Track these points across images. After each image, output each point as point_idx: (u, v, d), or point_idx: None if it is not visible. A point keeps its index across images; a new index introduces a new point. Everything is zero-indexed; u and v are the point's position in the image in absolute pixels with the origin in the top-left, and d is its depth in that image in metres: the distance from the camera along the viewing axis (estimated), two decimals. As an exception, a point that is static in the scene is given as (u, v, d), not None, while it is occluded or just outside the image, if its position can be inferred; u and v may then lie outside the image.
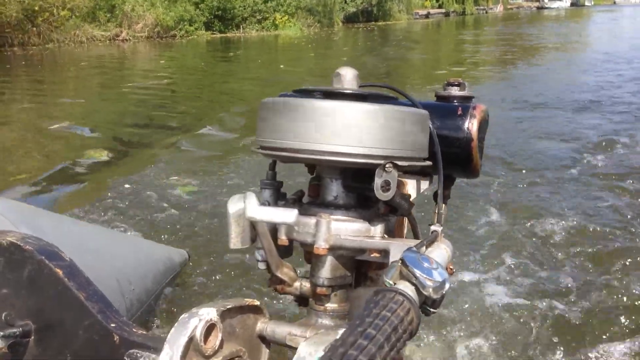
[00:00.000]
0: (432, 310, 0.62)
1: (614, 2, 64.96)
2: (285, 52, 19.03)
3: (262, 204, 0.84)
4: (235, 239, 0.80)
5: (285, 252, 0.86)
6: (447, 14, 43.12)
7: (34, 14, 18.43)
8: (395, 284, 0.61)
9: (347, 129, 0.72)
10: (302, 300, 0.86)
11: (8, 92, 9.87)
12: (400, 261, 0.62)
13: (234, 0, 24.14)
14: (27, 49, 17.98)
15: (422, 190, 0.93)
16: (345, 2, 32.04)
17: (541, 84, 9.24)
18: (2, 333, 0.76)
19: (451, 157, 0.89)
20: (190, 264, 2.82)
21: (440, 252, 0.76)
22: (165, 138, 6.29)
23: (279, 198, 0.89)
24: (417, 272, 0.60)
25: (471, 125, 0.88)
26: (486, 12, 48.75)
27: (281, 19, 24.94)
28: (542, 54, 14.75)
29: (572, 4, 56.98)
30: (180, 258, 2.61)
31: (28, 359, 0.78)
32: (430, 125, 0.85)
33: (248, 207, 0.73)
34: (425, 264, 0.62)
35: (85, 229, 2.28)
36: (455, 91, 0.92)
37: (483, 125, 0.90)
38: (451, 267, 0.80)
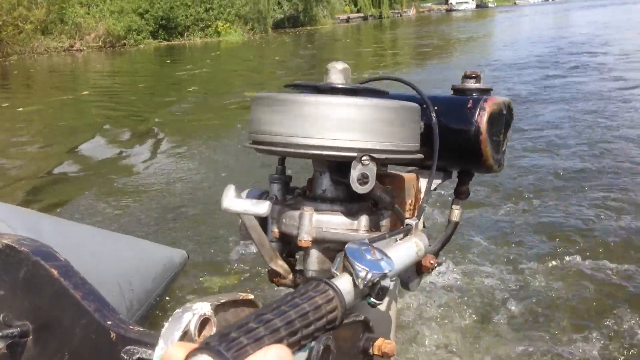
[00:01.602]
0: (374, 301, 0.62)
1: (515, 3, 70.54)
2: (239, 53, 21.27)
3: (270, 198, 0.87)
4: (244, 232, 0.84)
5: (295, 245, 0.85)
6: (365, 18, 46.35)
7: (-2, 29, 19.92)
8: (338, 274, 0.62)
9: (326, 122, 0.74)
10: None
11: None
12: (344, 253, 0.63)
13: (176, 10, 26.30)
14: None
15: (436, 185, 0.91)
16: (274, 9, 34.49)
17: (450, 68, 12.03)
18: (0, 334, 0.76)
19: (461, 152, 0.88)
20: (191, 264, 2.83)
21: (408, 245, 0.76)
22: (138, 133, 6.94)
23: (287, 192, 0.89)
24: (356, 264, 0.61)
25: (480, 118, 0.86)
26: (400, 15, 52.11)
27: (223, 26, 27.31)
28: (452, 46, 17.86)
29: (477, 6, 61.53)
30: (179, 258, 2.61)
31: (27, 359, 0.79)
32: (434, 118, 0.86)
33: (224, 199, 0.74)
34: (367, 256, 0.63)
35: (83, 230, 2.30)
36: (471, 84, 0.91)
37: (496, 117, 0.88)
38: (431, 261, 0.82)
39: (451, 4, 60.91)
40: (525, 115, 6.34)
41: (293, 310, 0.52)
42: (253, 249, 2.92)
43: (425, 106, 0.86)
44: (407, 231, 0.78)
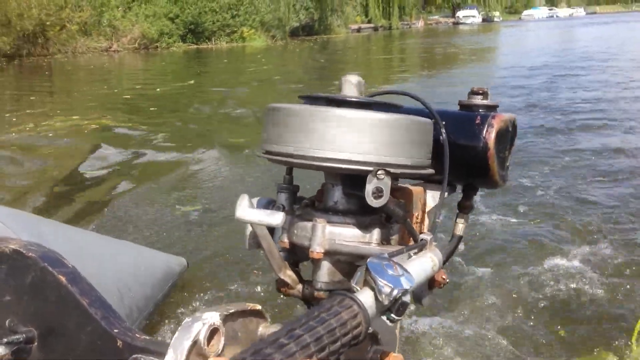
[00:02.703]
0: (395, 317, 0.63)
1: (520, 18, 72.41)
2: (264, 58, 23.03)
3: (277, 207, 0.87)
4: (251, 240, 0.85)
5: (302, 255, 0.86)
6: (376, 29, 48.04)
7: (46, 28, 21.66)
8: (359, 289, 0.62)
9: (341, 136, 0.75)
10: (307, 301, 0.87)
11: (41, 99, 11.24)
12: (365, 267, 0.64)
13: (204, 16, 28.08)
14: (38, 59, 21.09)
15: (440, 200, 0.92)
16: (291, 17, 36.25)
17: (459, 77, 13.09)
18: (5, 340, 0.76)
19: (468, 167, 0.90)
20: (190, 271, 2.87)
21: (423, 260, 0.76)
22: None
23: (294, 202, 0.89)
24: (378, 279, 0.61)
25: (488, 134, 0.87)
26: (409, 27, 53.74)
27: (248, 32, 29.11)
28: (460, 58, 19.07)
29: (483, 20, 63.26)
30: (179, 266, 2.60)
31: None
32: (444, 134, 0.87)
33: (238, 208, 0.75)
34: (389, 271, 0.63)
35: (85, 236, 2.30)
36: (478, 100, 0.92)
37: (503, 134, 0.89)
38: (443, 276, 0.82)
39: (458, 17, 62.57)
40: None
41: (321, 326, 0.53)
42: (254, 257, 2.96)
43: (434, 121, 0.87)
44: (422, 246, 0.78)
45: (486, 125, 0.88)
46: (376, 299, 0.61)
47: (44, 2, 20.73)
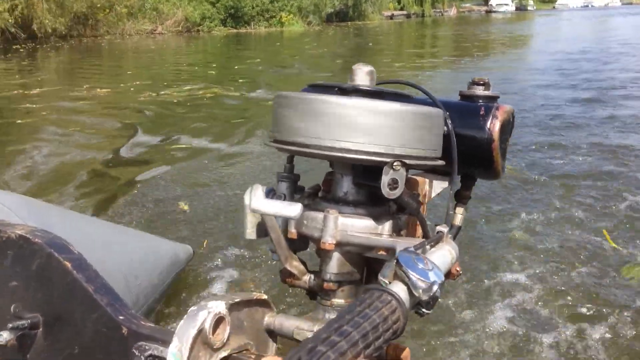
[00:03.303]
0: (425, 311, 0.63)
1: (554, 7, 71.48)
2: (304, 41, 23.67)
3: (279, 196, 0.87)
4: (251, 230, 0.84)
5: (300, 245, 0.86)
6: (408, 16, 48.08)
7: (95, 10, 22.53)
8: (389, 283, 0.62)
9: (356, 126, 0.74)
10: (311, 293, 0.87)
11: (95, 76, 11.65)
12: (395, 261, 0.63)
13: (244, 0, 28.70)
14: (89, 40, 21.99)
15: (441, 190, 0.93)
16: (325, 4, 36.70)
17: (497, 62, 13.72)
18: (10, 325, 0.76)
19: (472, 158, 0.90)
20: (196, 260, 2.86)
21: (443, 253, 0.76)
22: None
23: (295, 191, 0.89)
24: (410, 273, 0.61)
25: (493, 125, 0.87)
26: (442, 14, 53.55)
27: (286, 17, 29.69)
28: (495, 45, 19.21)
29: (517, 9, 62.75)
30: (185, 254, 2.62)
31: (36, 351, 0.79)
32: (449, 125, 0.87)
33: (253, 199, 0.75)
34: (420, 265, 0.63)
35: (92, 223, 2.31)
36: (479, 90, 0.91)
37: (506, 126, 0.90)
38: (457, 268, 0.81)
39: (491, 5, 62.08)
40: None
41: (367, 321, 0.54)
42: (259, 246, 3.01)
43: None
44: (439, 238, 0.78)
45: (491, 117, 0.88)
46: (410, 293, 0.61)
47: (95, -15, 21.58)
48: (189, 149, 5.59)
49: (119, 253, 2.09)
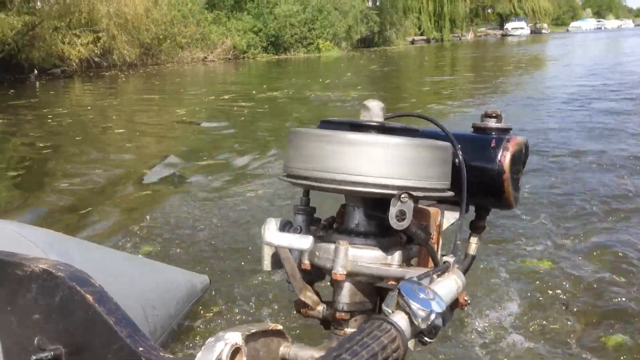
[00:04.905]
0: (428, 339, 0.64)
1: (567, 30, 73.83)
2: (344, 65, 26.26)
3: (295, 229, 0.89)
4: (267, 262, 0.88)
5: (318, 276, 0.89)
6: (428, 41, 50.77)
7: (160, 41, 25.36)
8: (392, 312, 0.64)
9: (364, 160, 0.77)
10: (325, 323, 0.89)
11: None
12: (397, 291, 0.65)
13: (284, 29, 31.56)
14: (153, 67, 24.76)
15: (454, 220, 0.94)
16: (356, 31, 39.31)
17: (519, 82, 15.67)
18: (34, 357, 0.78)
19: (483, 189, 0.92)
20: (212, 290, 2.89)
21: (449, 283, 0.77)
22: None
23: (311, 223, 0.91)
24: (411, 302, 0.62)
25: (503, 157, 0.90)
26: (460, 39, 55.90)
27: (323, 43, 32.53)
28: (513, 67, 19.71)
29: (531, 32, 65.07)
30: (201, 284, 2.65)
31: None
32: (460, 157, 0.90)
33: (266, 232, 0.78)
34: (421, 295, 0.64)
35: (110, 254, 2.35)
36: (492, 123, 0.94)
37: (517, 157, 0.92)
38: (465, 298, 0.82)
39: (507, 29, 64.46)
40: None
41: (365, 350, 0.55)
42: (274, 277, 3.05)
43: (451, 144, 0.88)
44: (446, 268, 0.79)
45: (501, 149, 0.90)
46: (410, 322, 0.63)
47: (159, 19, 24.35)
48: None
49: (136, 283, 2.13)
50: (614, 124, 7.60)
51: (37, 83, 18.96)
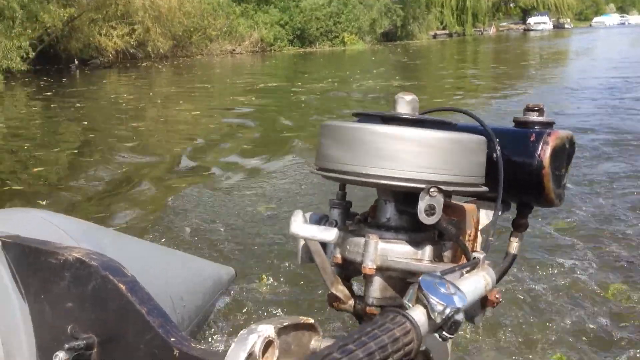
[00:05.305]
0: (447, 335, 0.63)
1: (590, 25, 73.17)
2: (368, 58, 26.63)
3: (330, 223, 0.90)
4: (302, 255, 0.89)
5: (355, 271, 0.87)
6: (450, 35, 50.71)
7: (191, 34, 25.94)
8: (412, 306, 0.63)
9: (393, 153, 0.76)
10: (358, 317, 0.88)
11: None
12: (418, 285, 0.64)
13: (310, 22, 32.00)
14: (183, 59, 25.30)
15: (495, 218, 0.91)
16: (381, 25, 39.58)
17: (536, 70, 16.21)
18: (67, 346, 0.79)
19: (523, 185, 0.90)
20: (238, 282, 2.83)
21: (477, 279, 0.76)
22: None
23: (347, 217, 0.92)
24: (430, 297, 0.61)
25: (543, 152, 0.87)
26: (482, 33, 55.59)
27: (349, 37, 32.91)
28: (540, 60, 21.28)
29: (554, 27, 64.59)
30: (227, 275, 2.63)
31: None
32: (498, 151, 0.87)
33: (292, 224, 0.79)
34: (442, 289, 0.63)
35: (139, 245, 2.35)
36: (533, 116, 0.92)
37: (559, 152, 0.89)
38: (497, 295, 0.81)
39: (529, 23, 64.06)
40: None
41: (373, 341, 0.54)
42: (301, 270, 3.03)
43: (488, 138, 0.86)
44: (475, 264, 0.78)
45: (541, 143, 0.88)
46: (429, 316, 0.62)
47: (191, 11, 24.91)
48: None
49: (165, 274, 2.15)
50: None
51: (78, 72, 19.68)
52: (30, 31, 17.82)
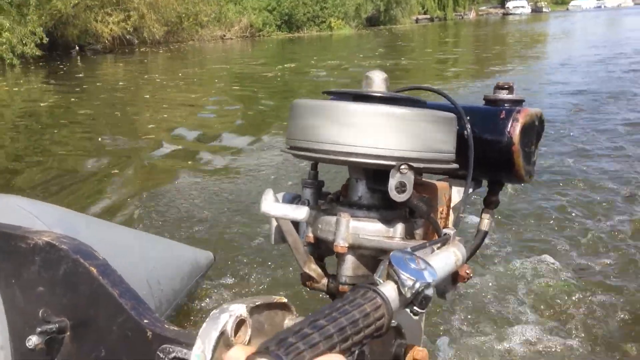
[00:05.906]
0: (418, 310, 0.63)
1: (567, 9, 74.46)
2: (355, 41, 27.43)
3: (303, 202, 0.89)
4: (275, 235, 0.89)
5: (326, 250, 0.87)
6: (431, 19, 51.68)
7: (182, 19, 26.49)
8: (382, 282, 0.63)
9: (363, 130, 0.76)
10: (332, 295, 0.88)
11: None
12: (388, 261, 0.64)
13: (297, 8, 32.71)
14: (175, 45, 25.90)
15: (465, 194, 0.92)
16: (365, 10, 40.35)
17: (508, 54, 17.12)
18: (39, 329, 0.78)
19: (494, 162, 0.91)
20: (217, 266, 2.87)
21: (447, 255, 0.76)
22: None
23: (319, 197, 0.91)
24: (400, 272, 0.62)
25: (513, 129, 0.88)
26: (462, 18, 56.96)
27: (336, 22, 33.70)
28: (509, 41, 22.36)
29: (532, 11, 65.84)
30: (206, 259, 2.67)
31: (64, 354, 0.81)
32: (468, 129, 0.88)
33: (263, 203, 0.78)
34: (412, 265, 0.64)
35: (115, 230, 2.37)
36: (503, 94, 0.92)
37: (529, 129, 0.90)
38: (467, 271, 0.82)
39: (508, 8, 65.18)
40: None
41: (344, 317, 0.54)
42: (276, 251, 3.08)
43: (459, 116, 0.86)
44: (445, 240, 0.78)
45: (511, 120, 0.88)
46: (399, 292, 0.62)
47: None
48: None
49: (142, 259, 2.12)
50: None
51: (79, 58, 20.29)
52: (45, 17, 18.48)
